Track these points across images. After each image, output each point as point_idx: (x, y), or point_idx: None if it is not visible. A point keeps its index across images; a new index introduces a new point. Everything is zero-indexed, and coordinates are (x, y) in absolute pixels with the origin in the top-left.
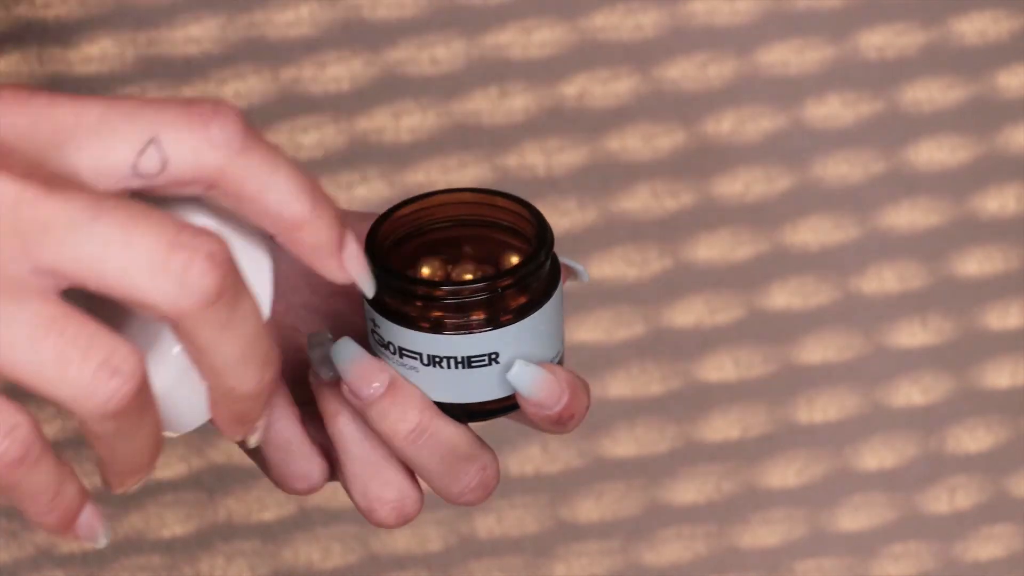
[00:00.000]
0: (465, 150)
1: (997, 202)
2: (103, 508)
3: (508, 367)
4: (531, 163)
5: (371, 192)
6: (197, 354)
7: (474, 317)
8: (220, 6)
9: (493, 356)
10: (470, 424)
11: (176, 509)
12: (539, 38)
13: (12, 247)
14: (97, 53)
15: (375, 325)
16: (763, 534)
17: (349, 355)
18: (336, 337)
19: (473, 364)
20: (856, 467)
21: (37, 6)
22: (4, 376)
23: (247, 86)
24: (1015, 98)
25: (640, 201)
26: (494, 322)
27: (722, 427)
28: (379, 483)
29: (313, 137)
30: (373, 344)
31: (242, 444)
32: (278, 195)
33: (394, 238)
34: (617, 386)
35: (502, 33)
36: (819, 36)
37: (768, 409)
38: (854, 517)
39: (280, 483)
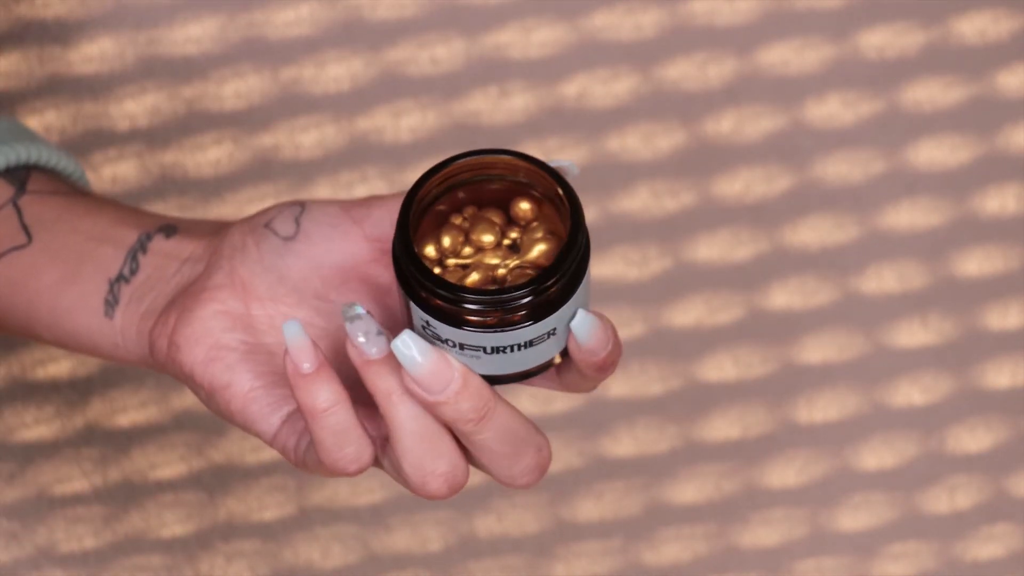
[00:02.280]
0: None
1: (997, 202)
2: (103, 508)
3: (560, 336)
4: None
5: (371, 192)
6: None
7: (541, 305)
8: (220, 6)
9: (551, 332)
10: (518, 383)
11: (176, 509)
12: (539, 38)
13: None
14: (97, 53)
15: (428, 324)
16: (763, 534)
17: (417, 353)
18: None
19: (534, 343)
20: (856, 467)
21: (37, 6)
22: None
23: (247, 86)
24: (1015, 98)
25: (640, 201)
26: (552, 308)
27: (722, 427)
28: (433, 456)
29: (313, 137)
30: (427, 337)
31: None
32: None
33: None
34: (617, 386)
35: (502, 33)
36: (819, 36)
37: (768, 409)
38: (854, 517)
39: (331, 466)
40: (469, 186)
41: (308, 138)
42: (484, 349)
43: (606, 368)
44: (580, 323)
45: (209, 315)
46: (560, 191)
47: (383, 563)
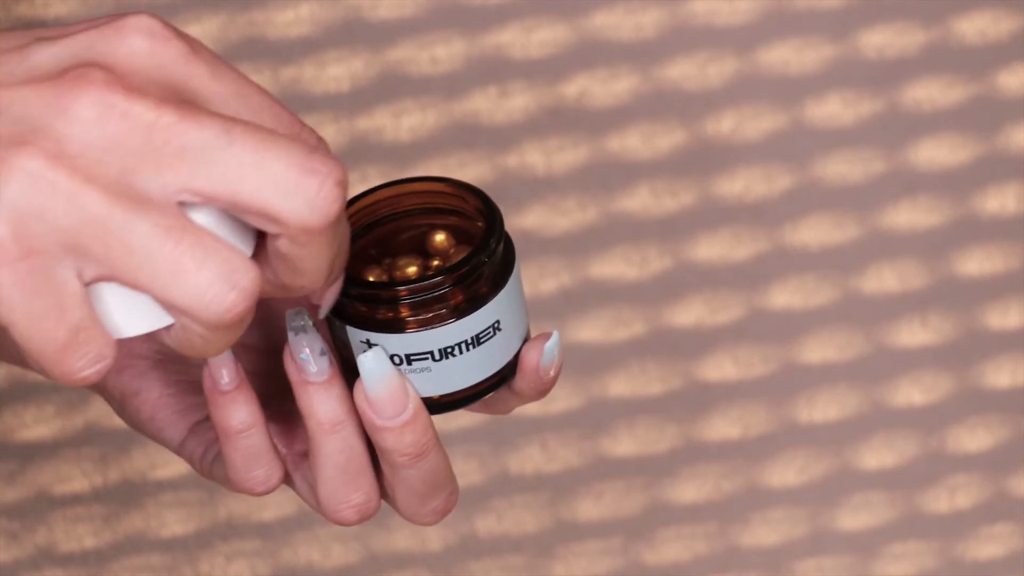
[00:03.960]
0: (465, 150)
1: (997, 202)
2: (103, 507)
3: (507, 331)
4: (531, 163)
5: None
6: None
7: (477, 292)
8: (220, 6)
9: (496, 326)
10: (471, 405)
11: (176, 509)
12: (539, 38)
13: (145, 167)
14: None
15: (370, 343)
16: (763, 534)
17: (381, 372)
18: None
19: (481, 340)
20: (856, 467)
21: (37, 6)
22: (126, 283)
23: None
24: (1015, 98)
25: (640, 201)
26: (492, 291)
27: (722, 427)
28: (352, 488)
29: None
30: None
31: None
32: (315, 268)
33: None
34: (617, 386)
35: (502, 33)
36: (819, 36)
37: (768, 409)
38: (854, 517)
39: (237, 484)
40: (387, 223)
41: None
42: (432, 355)
43: (549, 389)
44: (554, 341)
45: None
46: (478, 203)
47: (383, 563)
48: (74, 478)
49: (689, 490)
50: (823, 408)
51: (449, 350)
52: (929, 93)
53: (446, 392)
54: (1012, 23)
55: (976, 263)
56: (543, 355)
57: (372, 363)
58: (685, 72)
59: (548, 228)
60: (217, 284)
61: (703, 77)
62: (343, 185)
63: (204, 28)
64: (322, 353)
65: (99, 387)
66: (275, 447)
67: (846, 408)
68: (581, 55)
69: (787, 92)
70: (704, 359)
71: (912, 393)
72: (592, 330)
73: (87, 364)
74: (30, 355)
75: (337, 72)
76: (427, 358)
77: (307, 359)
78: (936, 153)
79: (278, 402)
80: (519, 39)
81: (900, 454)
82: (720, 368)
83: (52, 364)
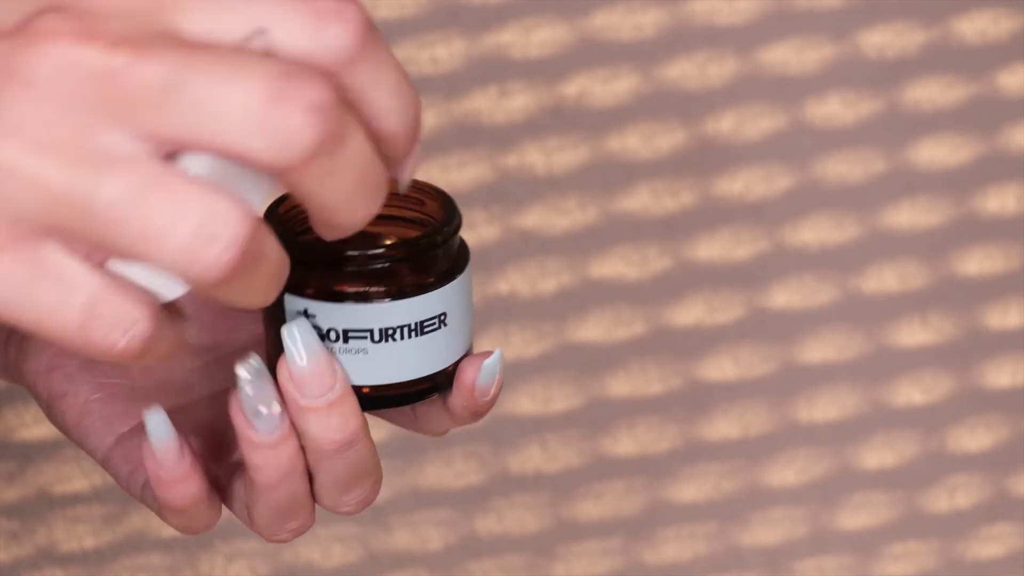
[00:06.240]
0: (465, 150)
1: (997, 201)
2: (103, 508)
3: (452, 331)
4: (531, 163)
5: None
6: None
7: (426, 275)
8: None
9: (442, 317)
10: (401, 414)
11: None
12: (539, 38)
13: (103, 121)
14: None
15: (307, 315)
16: (763, 533)
17: (303, 346)
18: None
19: (426, 329)
20: (856, 466)
21: None
22: (116, 255)
23: None
24: (1015, 98)
25: (640, 201)
26: (444, 278)
27: (722, 426)
28: (290, 517)
29: None
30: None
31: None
32: (381, 108)
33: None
34: (617, 386)
35: (502, 33)
36: (819, 36)
37: (768, 408)
38: (854, 516)
39: (177, 527)
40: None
41: None
42: (371, 335)
43: (484, 412)
44: (495, 359)
45: None
46: (436, 202)
47: (383, 563)
48: (74, 478)
49: (689, 490)
50: (823, 408)
51: (391, 332)
52: (929, 93)
53: (379, 383)
54: (1012, 23)
55: (976, 263)
56: (481, 372)
57: (297, 333)
58: (685, 72)
59: (548, 228)
60: (195, 240)
61: (703, 77)
62: (318, 108)
63: None
64: (276, 407)
65: (29, 387)
66: (212, 495)
67: (846, 408)
68: (581, 55)
69: (787, 92)
70: (704, 359)
71: (912, 393)
72: (592, 330)
73: (119, 335)
74: (58, 343)
75: None
76: (366, 337)
77: (260, 415)
78: (936, 153)
79: (208, 408)
80: (519, 39)
81: (900, 454)
82: (720, 368)
83: (81, 344)
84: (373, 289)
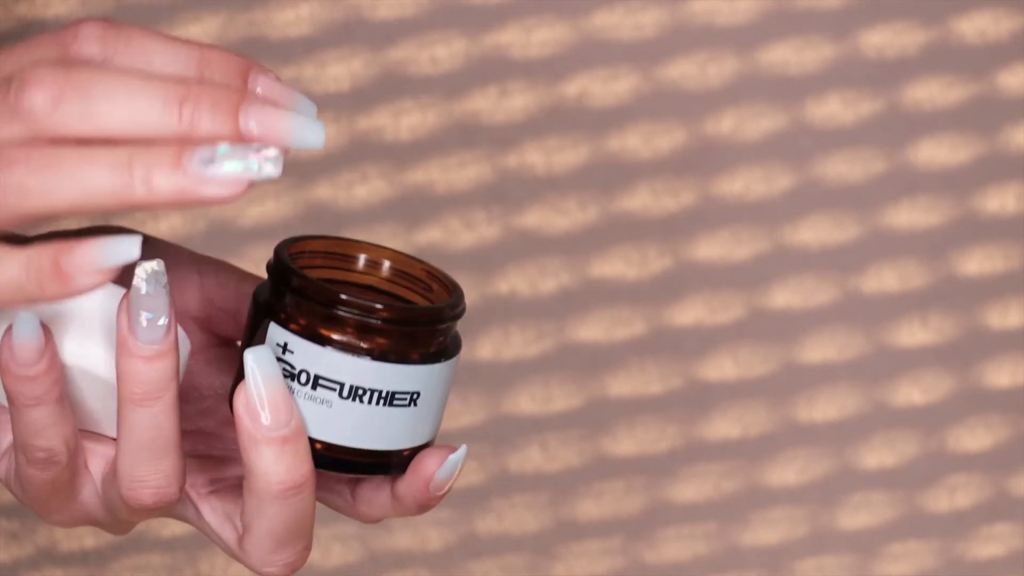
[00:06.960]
0: (465, 150)
1: (998, 201)
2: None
3: (421, 414)
4: (531, 163)
5: (371, 192)
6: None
7: (413, 348)
8: (220, 6)
9: (415, 396)
10: (341, 488)
11: None
12: (539, 38)
13: None
14: None
15: (286, 350)
16: (764, 533)
17: (262, 377)
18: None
19: (395, 402)
20: (856, 466)
21: (37, 6)
22: None
23: None
24: (1015, 98)
25: (640, 201)
26: (429, 358)
27: (722, 426)
28: (154, 468)
29: None
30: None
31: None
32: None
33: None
34: (617, 386)
35: (502, 33)
36: (819, 35)
37: (768, 408)
38: (855, 516)
39: (44, 519)
40: (349, 275)
41: None
42: (341, 389)
43: (431, 506)
44: (460, 455)
45: None
46: (444, 290)
47: (383, 563)
48: None
49: (689, 490)
50: (823, 408)
51: (360, 392)
52: (929, 93)
53: (334, 442)
54: (1012, 23)
55: (976, 263)
56: (443, 465)
57: (260, 360)
58: (685, 72)
59: (548, 228)
60: None
61: (703, 77)
62: (40, 79)
63: (204, 28)
64: (163, 322)
65: None
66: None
67: (846, 408)
68: (581, 55)
69: (787, 92)
70: (704, 359)
71: (912, 393)
72: (592, 330)
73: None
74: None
75: (337, 72)
76: (335, 389)
77: (142, 322)
78: (936, 153)
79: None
80: (519, 39)
81: (900, 454)
82: (720, 368)
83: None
84: (357, 342)
